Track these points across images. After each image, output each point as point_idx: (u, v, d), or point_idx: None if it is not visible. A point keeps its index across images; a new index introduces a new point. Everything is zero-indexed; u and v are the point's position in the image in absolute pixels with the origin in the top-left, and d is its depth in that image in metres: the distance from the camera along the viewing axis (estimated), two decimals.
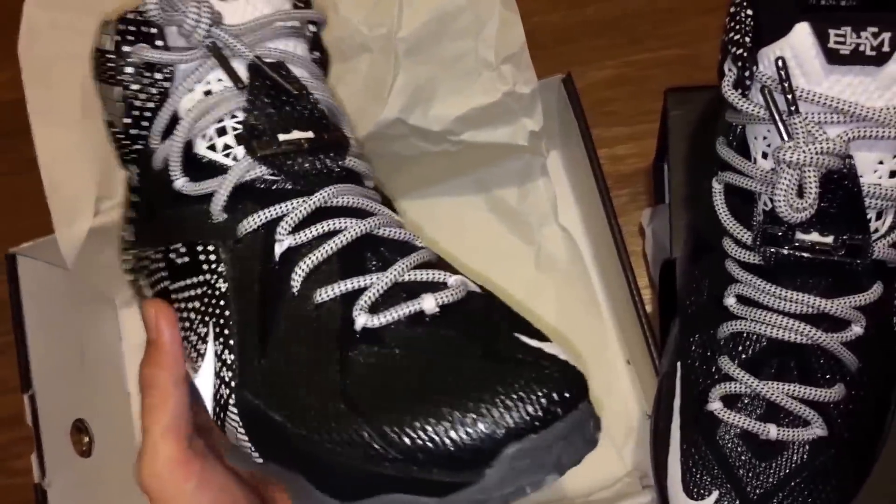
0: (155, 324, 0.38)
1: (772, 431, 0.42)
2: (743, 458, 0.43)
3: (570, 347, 0.59)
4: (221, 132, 0.39)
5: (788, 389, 0.42)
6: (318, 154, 0.38)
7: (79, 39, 0.58)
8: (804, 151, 0.37)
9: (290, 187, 0.38)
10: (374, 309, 0.35)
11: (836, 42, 0.37)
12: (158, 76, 0.39)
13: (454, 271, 0.38)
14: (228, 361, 0.36)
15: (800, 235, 0.40)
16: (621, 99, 0.65)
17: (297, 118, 0.39)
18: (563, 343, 0.60)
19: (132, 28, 0.38)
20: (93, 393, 0.60)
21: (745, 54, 0.39)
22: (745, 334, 0.43)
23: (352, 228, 0.37)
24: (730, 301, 0.43)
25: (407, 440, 0.31)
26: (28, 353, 0.56)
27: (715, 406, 0.43)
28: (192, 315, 0.38)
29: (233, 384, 0.36)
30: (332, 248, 0.36)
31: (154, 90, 0.39)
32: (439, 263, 0.38)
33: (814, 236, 0.40)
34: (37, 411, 0.55)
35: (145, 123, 0.40)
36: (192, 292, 0.38)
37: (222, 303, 0.37)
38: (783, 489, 0.42)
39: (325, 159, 0.38)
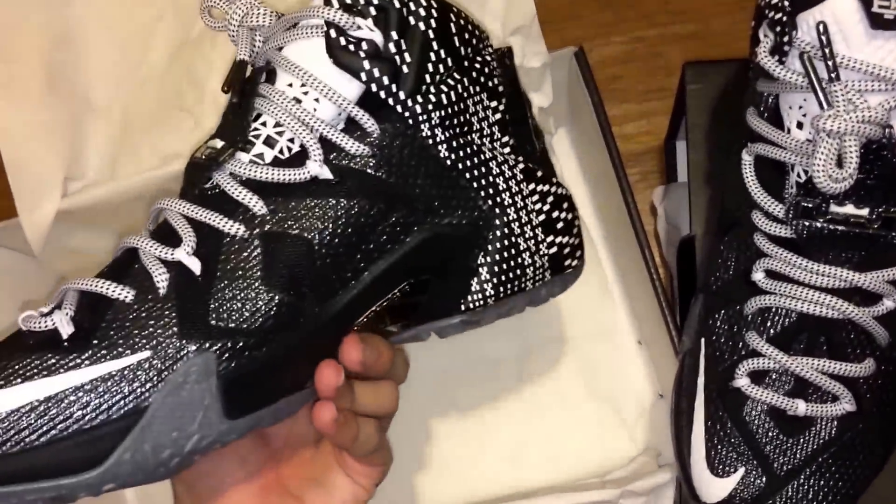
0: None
1: (800, 407, 0.41)
2: (770, 434, 0.42)
3: (580, 329, 0.59)
4: None
5: (818, 364, 0.41)
6: (204, 164, 0.38)
7: (45, 10, 0.55)
8: (845, 120, 0.36)
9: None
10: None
11: (881, 6, 0.36)
12: None
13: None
14: None
15: (834, 208, 0.39)
16: (630, 76, 0.63)
17: (226, 127, 0.39)
18: (575, 324, 0.59)
19: None
20: None
21: (784, 19, 0.38)
22: (773, 309, 0.42)
23: (127, 240, 0.38)
24: (758, 276, 0.42)
25: None
26: None
27: (742, 382, 0.42)
28: None
29: None
30: (120, 247, 0.39)
31: None
32: (92, 301, 0.37)
33: (849, 209, 0.39)
34: None
35: None
36: None
37: None
38: (810, 465, 0.41)
39: (203, 170, 0.38)
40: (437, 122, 0.40)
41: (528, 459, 0.57)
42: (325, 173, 0.38)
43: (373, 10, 0.38)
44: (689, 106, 0.52)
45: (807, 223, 0.40)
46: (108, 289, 0.36)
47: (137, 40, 0.56)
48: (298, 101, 0.38)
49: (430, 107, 0.39)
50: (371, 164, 0.39)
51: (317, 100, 0.38)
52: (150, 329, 0.35)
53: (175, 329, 0.35)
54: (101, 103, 0.56)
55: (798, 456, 0.41)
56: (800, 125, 0.40)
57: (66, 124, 0.55)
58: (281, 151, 0.38)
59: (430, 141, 0.40)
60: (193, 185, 0.39)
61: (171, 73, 0.56)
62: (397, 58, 0.38)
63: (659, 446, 0.56)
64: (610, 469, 0.55)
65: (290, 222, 0.38)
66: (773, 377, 0.42)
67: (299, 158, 0.38)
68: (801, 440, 0.42)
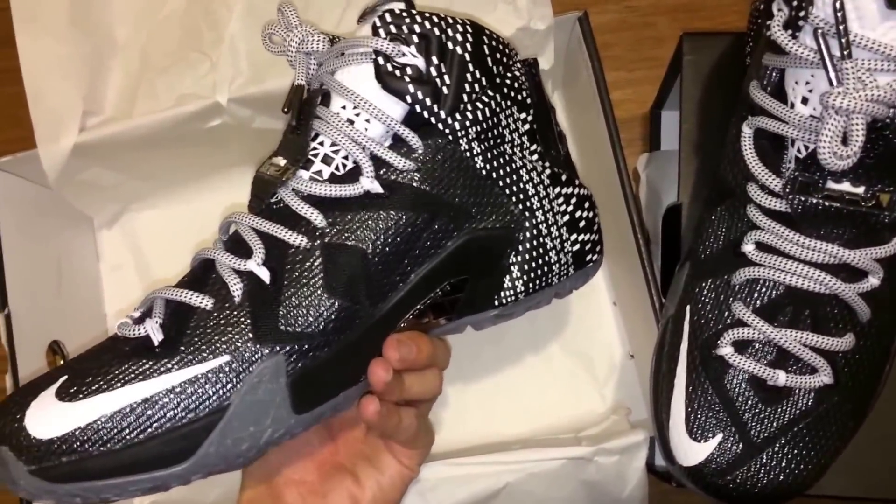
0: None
1: (780, 378, 0.40)
2: (749, 402, 0.41)
3: None
4: None
5: (801, 337, 0.40)
6: (270, 181, 0.40)
7: None
8: (854, 98, 0.35)
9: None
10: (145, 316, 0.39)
11: None
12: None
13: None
14: None
15: (831, 184, 0.38)
16: (621, 44, 0.62)
17: (289, 147, 0.41)
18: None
19: None
20: (69, 314, 0.56)
21: None
22: (761, 281, 0.41)
23: (203, 252, 0.40)
24: (748, 247, 0.41)
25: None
26: (4, 271, 0.51)
27: (726, 351, 0.41)
28: None
29: None
30: (196, 258, 0.41)
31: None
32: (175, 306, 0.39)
33: (845, 186, 0.38)
34: (12, 331, 0.50)
35: None
36: None
37: None
38: (786, 434, 0.41)
39: (269, 186, 0.40)
40: (474, 136, 0.42)
41: (500, 411, 0.56)
42: (376, 188, 0.40)
43: (416, 38, 0.40)
44: (685, 76, 0.50)
45: (803, 198, 0.38)
46: (190, 298, 0.38)
47: None
48: (351, 122, 0.40)
49: (468, 123, 0.41)
50: (416, 177, 0.40)
51: (367, 120, 0.40)
52: (229, 335, 0.37)
53: (250, 335, 0.37)
54: (122, 40, 0.54)
55: (775, 425, 0.41)
56: (804, 101, 0.38)
57: (87, 59, 0.53)
58: (337, 168, 0.40)
59: (468, 154, 0.42)
60: (260, 199, 0.41)
61: (190, 15, 0.54)
62: (438, 80, 0.40)
63: (628, 404, 0.55)
64: (581, 425, 0.54)
65: (346, 234, 0.39)
66: (757, 347, 0.41)
67: (353, 175, 0.40)
68: (779, 409, 0.41)
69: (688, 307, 0.44)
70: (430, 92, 0.40)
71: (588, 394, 0.56)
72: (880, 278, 0.40)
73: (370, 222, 0.40)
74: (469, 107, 0.41)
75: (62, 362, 0.53)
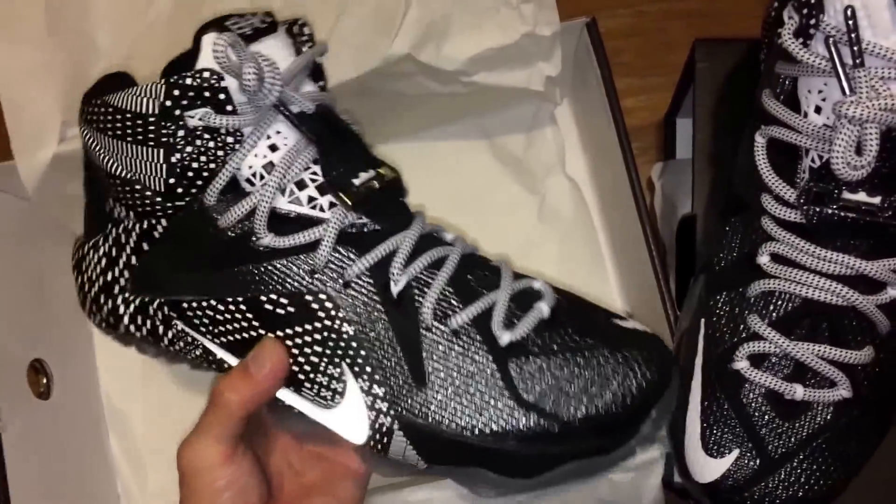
0: (263, 360, 0.39)
1: (798, 392, 0.41)
2: (766, 417, 0.41)
3: None
4: (301, 185, 0.39)
5: (818, 350, 0.40)
6: (385, 190, 0.39)
7: None
8: (867, 107, 0.35)
9: (378, 228, 0.39)
10: (508, 324, 0.39)
11: None
12: (229, 139, 0.38)
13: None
14: (381, 394, 0.39)
15: (846, 195, 0.39)
16: (633, 50, 0.62)
17: (357, 159, 0.40)
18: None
19: (188, 92, 0.38)
20: (52, 332, 0.55)
21: (812, 1, 0.37)
22: (777, 293, 0.41)
23: (454, 253, 0.40)
24: (763, 259, 0.42)
25: (566, 417, 0.38)
26: None
27: (741, 365, 0.42)
28: (315, 359, 0.39)
29: (392, 412, 0.39)
30: (446, 276, 0.39)
31: (218, 152, 0.38)
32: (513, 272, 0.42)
33: (861, 196, 0.38)
34: None
35: (199, 182, 0.39)
36: (310, 338, 0.39)
37: (353, 344, 0.39)
38: (805, 449, 0.41)
39: (392, 192, 0.40)
40: None
41: None
42: None
43: None
44: (698, 84, 0.51)
45: (818, 209, 0.39)
46: (527, 283, 0.43)
47: None
48: None
49: None
50: None
51: None
52: None
53: None
54: (105, 47, 0.53)
55: (793, 440, 0.41)
56: (818, 110, 0.39)
57: (67, 67, 0.52)
58: None
59: None
60: (400, 207, 0.41)
61: (176, 22, 0.54)
62: None
63: None
64: None
65: None
66: (773, 361, 0.41)
67: None
68: (797, 424, 0.41)
69: (702, 320, 0.44)
70: None
71: None
72: None
73: None
74: None
75: (45, 381, 0.53)
